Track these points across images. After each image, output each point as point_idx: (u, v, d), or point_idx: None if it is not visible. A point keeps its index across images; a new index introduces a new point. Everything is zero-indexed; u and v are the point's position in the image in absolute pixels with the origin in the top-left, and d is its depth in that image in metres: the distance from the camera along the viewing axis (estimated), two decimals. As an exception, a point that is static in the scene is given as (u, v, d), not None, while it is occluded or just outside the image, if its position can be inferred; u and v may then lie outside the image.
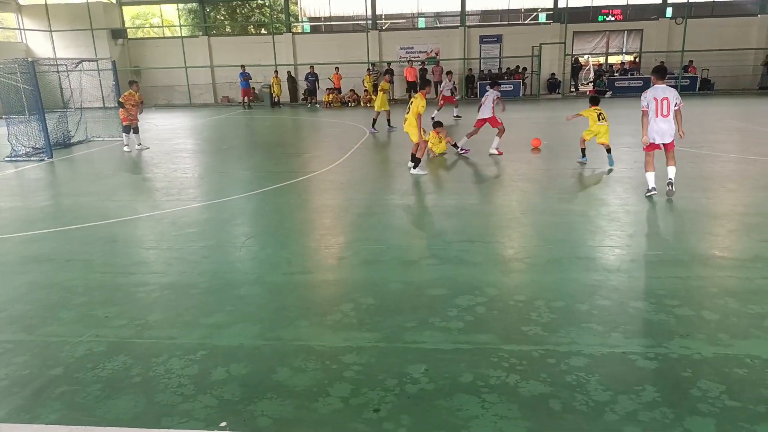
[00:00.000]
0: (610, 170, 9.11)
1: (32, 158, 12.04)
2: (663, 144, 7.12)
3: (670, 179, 7.05)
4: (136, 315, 4.21)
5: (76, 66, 15.95)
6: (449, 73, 19.21)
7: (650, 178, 7.22)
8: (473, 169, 9.63)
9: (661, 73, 7.28)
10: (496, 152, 10.85)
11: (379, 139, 14.06)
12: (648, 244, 5.52)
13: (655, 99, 6.99)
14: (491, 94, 11.10)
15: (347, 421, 2.89)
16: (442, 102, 17.25)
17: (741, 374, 3.18)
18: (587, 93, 26.16)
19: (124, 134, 13.24)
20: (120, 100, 13.27)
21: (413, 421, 2.88)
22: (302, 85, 25.85)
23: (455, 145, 11.19)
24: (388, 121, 15.37)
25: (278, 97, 25.49)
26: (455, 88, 18.90)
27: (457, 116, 17.44)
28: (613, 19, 26.01)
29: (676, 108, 7.04)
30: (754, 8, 25.38)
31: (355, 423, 2.88)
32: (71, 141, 14.45)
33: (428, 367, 3.37)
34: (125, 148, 13.08)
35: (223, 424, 2.90)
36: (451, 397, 3.06)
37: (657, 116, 6.99)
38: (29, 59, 13.31)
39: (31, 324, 4.13)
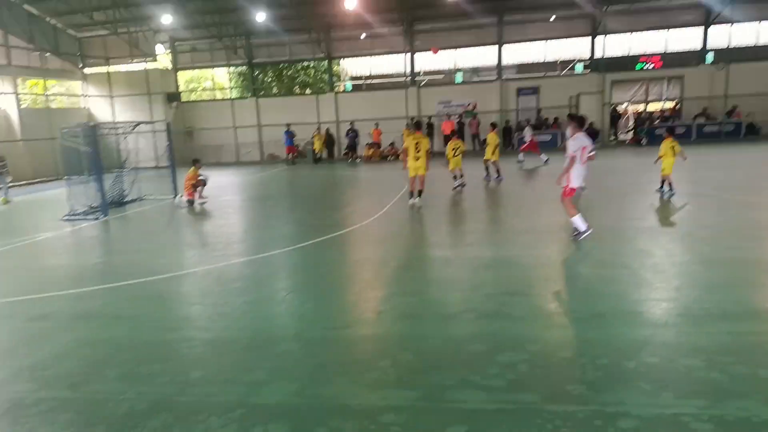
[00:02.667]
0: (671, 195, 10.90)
1: (88, 217, 12.65)
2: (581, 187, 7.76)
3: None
4: (178, 371, 4.29)
5: (134, 128, 16.88)
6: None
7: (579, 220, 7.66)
8: (510, 221, 9.55)
9: (580, 122, 7.83)
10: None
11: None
12: (695, 296, 5.29)
13: (583, 147, 7.51)
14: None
15: (384, 485, 2.83)
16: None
17: (806, 440, 2.96)
18: (627, 141, 25.83)
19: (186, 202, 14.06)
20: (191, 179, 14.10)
21: (452, 485, 2.79)
22: (343, 142, 26.60)
23: None
24: (498, 170, 15.26)
25: (320, 153, 26.23)
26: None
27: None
28: (651, 66, 25.88)
29: (591, 155, 7.70)
30: (799, 50, 24.80)
31: (392, 486, 2.81)
32: (125, 200, 15.16)
33: (469, 428, 3.28)
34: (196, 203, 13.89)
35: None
36: (491, 460, 2.96)
37: (583, 163, 7.59)
38: (91, 123, 14.22)
39: (76, 381, 4.23)
